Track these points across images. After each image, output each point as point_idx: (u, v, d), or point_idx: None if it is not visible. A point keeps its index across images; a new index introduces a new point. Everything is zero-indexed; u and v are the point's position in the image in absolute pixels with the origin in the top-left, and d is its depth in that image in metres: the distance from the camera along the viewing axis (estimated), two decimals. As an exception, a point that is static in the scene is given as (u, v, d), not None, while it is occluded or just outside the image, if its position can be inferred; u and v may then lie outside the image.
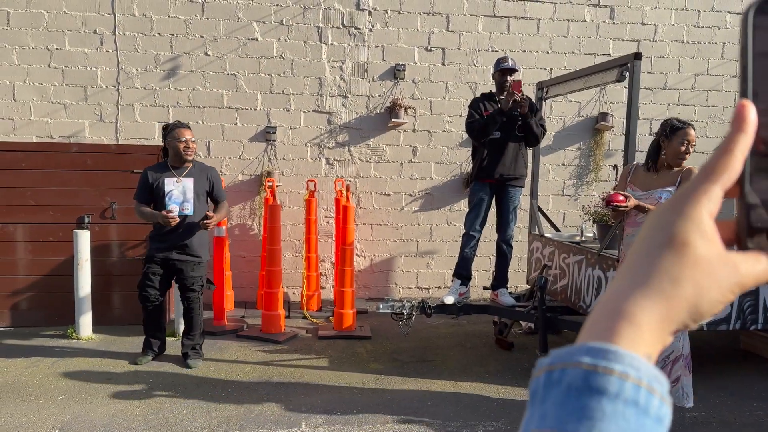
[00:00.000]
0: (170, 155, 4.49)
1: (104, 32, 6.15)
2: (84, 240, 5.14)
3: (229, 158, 6.44)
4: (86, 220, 5.42)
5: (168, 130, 4.48)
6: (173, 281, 4.62)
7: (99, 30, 6.15)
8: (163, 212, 4.30)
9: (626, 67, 4.19)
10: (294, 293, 6.60)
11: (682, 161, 3.64)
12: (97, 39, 6.16)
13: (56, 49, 6.12)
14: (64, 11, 6.08)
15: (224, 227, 5.80)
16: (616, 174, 5.43)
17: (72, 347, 4.96)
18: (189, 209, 4.42)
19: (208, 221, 4.42)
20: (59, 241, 5.43)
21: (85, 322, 5.20)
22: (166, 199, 4.39)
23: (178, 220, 4.34)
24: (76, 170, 5.45)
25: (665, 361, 3.51)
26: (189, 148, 4.45)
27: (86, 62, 6.17)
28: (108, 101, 6.23)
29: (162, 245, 4.45)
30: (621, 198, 3.62)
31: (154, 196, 4.46)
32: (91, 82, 6.19)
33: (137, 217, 4.58)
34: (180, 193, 4.43)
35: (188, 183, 4.46)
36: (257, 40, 6.35)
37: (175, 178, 4.45)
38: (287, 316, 5.79)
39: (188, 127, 4.52)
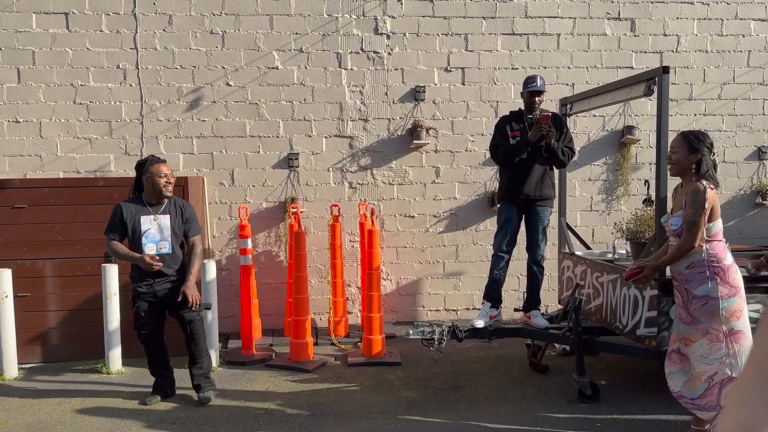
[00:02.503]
0: (147, 191, 4.35)
1: (127, 67, 6.24)
2: (112, 274, 5.15)
3: (253, 186, 6.45)
4: (114, 254, 5.44)
5: (145, 165, 4.34)
6: (167, 313, 4.47)
7: (122, 65, 6.24)
8: (146, 257, 4.16)
9: (653, 81, 4.10)
10: (321, 319, 6.54)
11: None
12: (120, 74, 6.25)
13: (81, 85, 6.22)
14: (87, 48, 6.19)
15: (250, 256, 5.79)
16: (647, 189, 5.31)
17: (102, 381, 4.95)
18: (167, 248, 4.32)
19: (190, 302, 4.28)
20: (88, 276, 5.46)
21: (115, 355, 5.19)
22: (143, 238, 4.28)
23: (161, 265, 4.22)
24: (103, 204, 5.47)
25: (710, 382, 3.34)
26: (170, 183, 4.35)
27: (110, 97, 6.26)
28: (132, 134, 6.30)
29: (145, 282, 4.32)
30: (637, 271, 3.56)
31: (130, 234, 4.32)
32: (115, 116, 6.27)
33: (109, 253, 4.40)
34: (157, 231, 4.31)
35: (165, 221, 4.33)
36: (278, 68, 6.39)
37: (151, 216, 4.32)
38: (315, 343, 5.72)
39: (165, 161, 4.43)
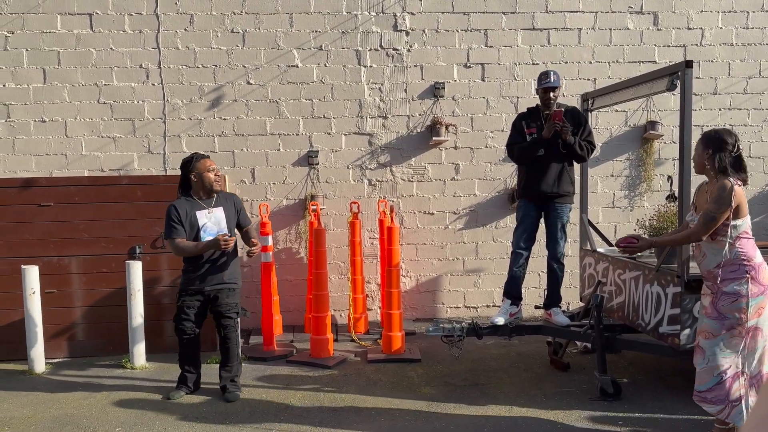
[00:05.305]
0: (195, 188, 4.45)
1: (150, 66, 6.32)
2: (136, 270, 5.24)
3: (274, 184, 6.50)
4: (137, 251, 5.53)
5: (192, 162, 4.42)
6: (208, 311, 4.56)
7: (145, 64, 6.32)
8: (219, 237, 4.27)
9: (677, 75, 4.05)
10: (341, 315, 6.58)
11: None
12: (143, 73, 6.33)
13: (104, 84, 6.32)
14: (111, 48, 6.28)
15: (271, 253, 5.83)
16: (671, 185, 5.24)
17: (127, 376, 5.03)
18: None
19: (254, 249, 4.48)
20: (112, 272, 5.55)
21: (139, 351, 5.27)
22: (202, 233, 4.38)
23: (234, 239, 4.37)
24: (127, 202, 5.58)
25: (722, 376, 3.30)
26: (218, 176, 4.49)
27: (133, 96, 6.34)
28: (155, 133, 6.38)
29: (197, 277, 4.41)
30: (631, 240, 3.71)
31: (188, 230, 4.39)
32: (138, 115, 6.36)
33: (176, 254, 4.49)
34: (213, 224, 4.42)
35: (219, 213, 4.46)
36: (297, 66, 6.42)
37: (206, 210, 4.43)
38: (335, 340, 5.76)
39: (209, 156, 4.55)
